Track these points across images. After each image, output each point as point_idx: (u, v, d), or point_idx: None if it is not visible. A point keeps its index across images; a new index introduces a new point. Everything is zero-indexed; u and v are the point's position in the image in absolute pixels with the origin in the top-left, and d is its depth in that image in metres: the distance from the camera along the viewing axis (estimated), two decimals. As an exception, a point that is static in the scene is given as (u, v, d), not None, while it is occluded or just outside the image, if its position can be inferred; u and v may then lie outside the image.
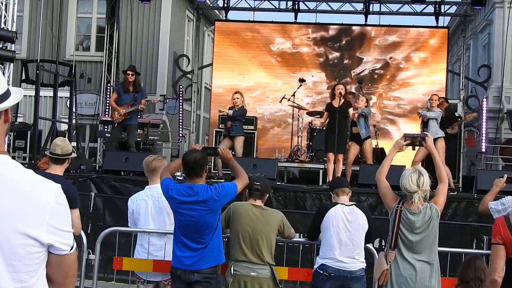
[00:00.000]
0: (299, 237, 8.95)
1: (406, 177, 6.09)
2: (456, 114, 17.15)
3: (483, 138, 17.59)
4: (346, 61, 21.14)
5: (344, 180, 7.88)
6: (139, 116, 16.88)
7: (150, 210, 7.35)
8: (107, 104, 19.21)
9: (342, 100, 13.54)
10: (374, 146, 16.95)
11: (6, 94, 2.72)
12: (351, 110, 13.73)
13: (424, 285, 6.08)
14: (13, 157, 2.62)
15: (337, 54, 21.16)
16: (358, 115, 14.24)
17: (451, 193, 12.82)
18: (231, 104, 14.83)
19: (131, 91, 15.22)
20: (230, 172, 12.11)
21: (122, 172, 14.13)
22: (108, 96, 19.34)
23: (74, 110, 17.96)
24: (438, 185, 6.40)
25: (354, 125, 14.80)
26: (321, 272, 7.15)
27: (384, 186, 6.41)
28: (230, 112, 14.57)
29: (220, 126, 17.35)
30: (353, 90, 19.01)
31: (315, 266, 7.30)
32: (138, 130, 16.53)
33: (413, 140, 6.59)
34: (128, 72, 15.35)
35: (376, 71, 20.92)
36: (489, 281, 5.12)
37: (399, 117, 20.53)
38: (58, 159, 6.84)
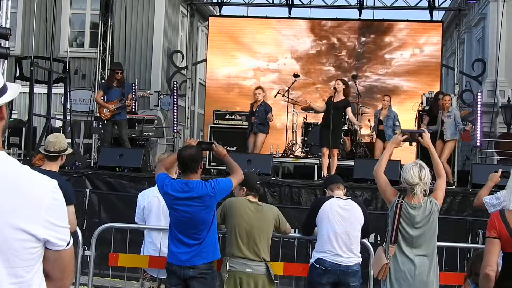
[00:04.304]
0: (295, 232, 8.97)
1: (407, 170, 6.10)
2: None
3: (478, 132, 17.59)
4: (341, 56, 21.14)
5: (338, 177, 7.87)
6: (133, 110, 16.92)
7: (162, 207, 7.30)
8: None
9: (341, 97, 13.58)
10: (369, 141, 17.03)
11: (3, 90, 2.71)
12: (348, 111, 13.81)
13: (423, 280, 6.09)
14: (8, 154, 2.61)
15: (331, 48, 21.16)
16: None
17: (448, 186, 12.88)
18: (253, 99, 15.54)
19: (116, 86, 15.28)
20: (225, 168, 12.12)
21: (117, 168, 14.13)
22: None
23: (68, 107, 17.91)
24: (436, 181, 6.42)
25: (381, 123, 15.60)
26: (318, 266, 7.15)
27: (383, 181, 6.41)
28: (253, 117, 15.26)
29: (215, 122, 17.34)
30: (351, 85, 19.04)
31: (311, 260, 7.30)
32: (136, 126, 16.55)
33: (410, 136, 6.61)
34: (117, 71, 15.44)
35: (370, 66, 20.94)
36: (482, 275, 5.12)
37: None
38: (51, 156, 6.83)
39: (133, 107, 17.62)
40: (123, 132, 15.41)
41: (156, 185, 7.31)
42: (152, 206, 7.39)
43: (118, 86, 15.35)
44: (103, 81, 19.04)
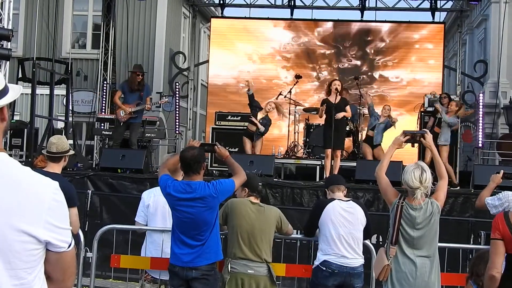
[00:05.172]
0: (297, 233, 8.95)
1: (408, 172, 6.07)
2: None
3: (480, 133, 17.58)
4: (341, 57, 21.14)
5: (340, 178, 7.80)
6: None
7: (168, 207, 7.28)
8: (104, 102, 19.20)
9: (339, 97, 13.57)
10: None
11: (4, 91, 2.71)
12: (348, 109, 13.76)
13: (424, 281, 6.07)
14: (10, 155, 2.63)
15: (332, 50, 21.17)
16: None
17: (452, 188, 12.91)
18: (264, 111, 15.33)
19: (136, 89, 15.23)
20: (227, 169, 12.11)
21: (119, 170, 14.11)
22: (104, 93, 19.32)
23: (70, 108, 17.92)
24: (438, 181, 6.40)
25: (372, 128, 15.74)
26: (324, 268, 7.13)
27: (384, 182, 6.39)
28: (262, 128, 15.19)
29: (217, 123, 17.33)
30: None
31: (317, 263, 7.26)
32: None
33: (412, 137, 6.57)
34: (138, 73, 15.35)
35: (371, 67, 20.93)
36: (487, 277, 5.12)
37: (394, 113, 20.51)
38: (54, 158, 6.84)
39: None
40: (133, 135, 15.38)
41: None
42: (158, 204, 7.34)
43: (138, 89, 15.29)
44: (106, 82, 19.05)
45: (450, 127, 14.76)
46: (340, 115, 13.52)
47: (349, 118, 14.93)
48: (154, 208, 7.39)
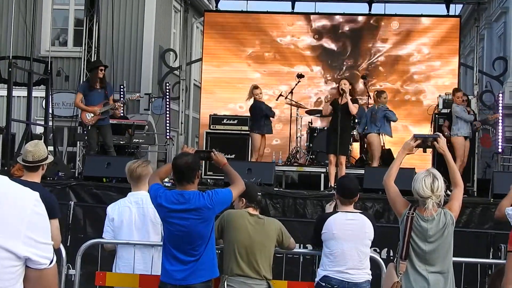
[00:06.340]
0: (299, 247, 8.95)
1: (419, 180, 6.05)
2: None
3: (500, 137, 17.58)
4: (348, 55, 21.11)
5: (352, 187, 7.46)
6: (122, 114, 16.90)
7: (134, 218, 7.29)
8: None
9: (348, 98, 13.58)
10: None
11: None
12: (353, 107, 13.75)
13: (438, 299, 6.07)
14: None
15: (338, 47, 21.13)
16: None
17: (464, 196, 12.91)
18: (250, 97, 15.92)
19: (99, 87, 15.17)
20: (223, 177, 12.11)
21: (104, 179, 14.08)
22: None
23: (50, 111, 17.90)
24: (452, 190, 6.39)
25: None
26: (323, 284, 7.13)
27: (393, 191, 6.37)
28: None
29: (212, 127, 17.33)
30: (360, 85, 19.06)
31: (317, 279, 7.27)
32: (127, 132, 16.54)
33: (424, 141, 6.53)
34: (101, 68, 15.32)
35: (380, 65, 20.91)
36: None
37: (406, 115, 20.52)
38: (31, 167, 6.81)
39: (122, 111, 17.61)
40: (108, 138, 15.35)
41: (127, 196, 7.34)
42: (123, 216, 7.35)
43: (101, 87, 15.25)
44: (81, 82, 19.01)
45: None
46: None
47: (356, 121, 14.95)
48: (119, 221, 7.40)
